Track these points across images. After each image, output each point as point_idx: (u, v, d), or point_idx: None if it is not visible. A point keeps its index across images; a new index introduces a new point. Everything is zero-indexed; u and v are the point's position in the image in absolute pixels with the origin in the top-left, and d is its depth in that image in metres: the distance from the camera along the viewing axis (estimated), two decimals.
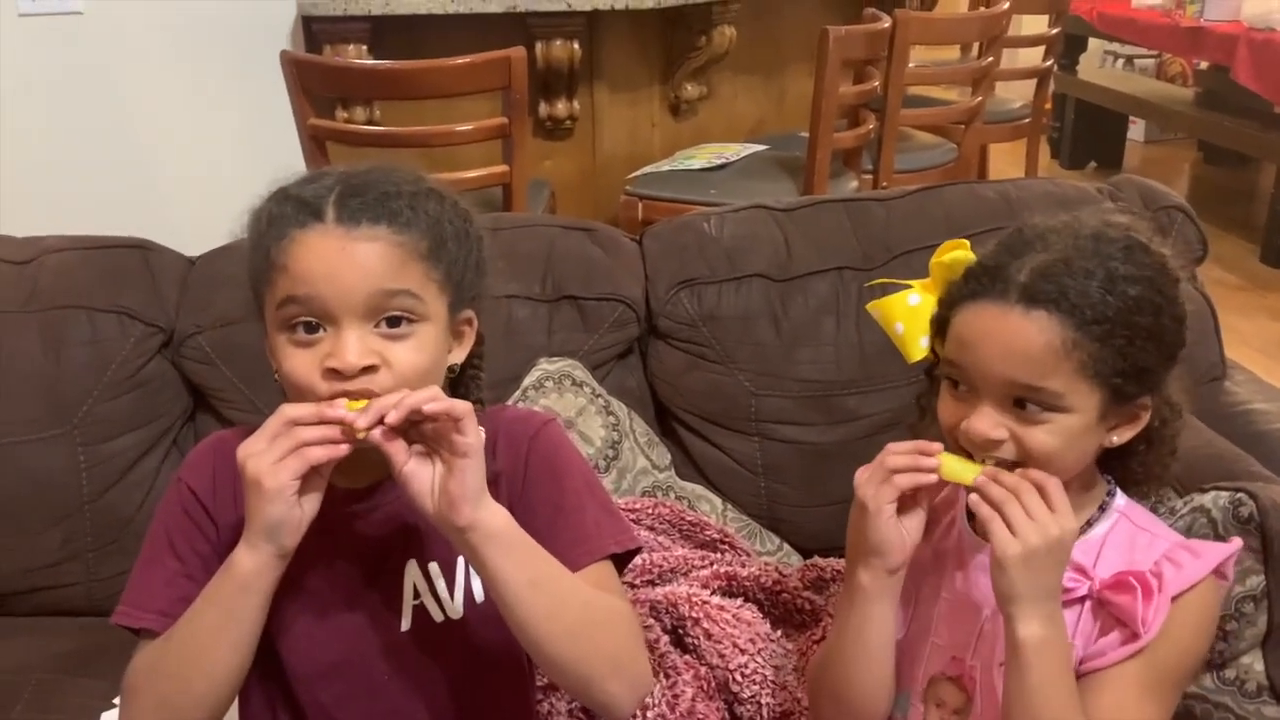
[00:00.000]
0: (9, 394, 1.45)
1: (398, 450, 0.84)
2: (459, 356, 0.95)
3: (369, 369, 0.85)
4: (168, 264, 1.56)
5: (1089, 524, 0.97)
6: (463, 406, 0.84)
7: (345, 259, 0.85)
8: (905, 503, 0.93)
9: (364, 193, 0.87)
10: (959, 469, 0.91)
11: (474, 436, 0.84)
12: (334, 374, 0.85)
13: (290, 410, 0.84)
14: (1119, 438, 0.94)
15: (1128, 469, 0.99)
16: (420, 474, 0.85)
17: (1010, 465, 0.91)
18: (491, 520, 0.86)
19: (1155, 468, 0.99)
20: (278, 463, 0.83)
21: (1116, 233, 0.92)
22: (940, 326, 0.96)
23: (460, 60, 2.03)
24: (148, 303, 1.51)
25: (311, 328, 0.86)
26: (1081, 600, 0.94)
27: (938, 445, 0.92)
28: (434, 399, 0.83)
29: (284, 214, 0.87)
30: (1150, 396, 0.93)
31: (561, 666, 0.90)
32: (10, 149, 2.40)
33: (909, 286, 1.00)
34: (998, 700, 0.95)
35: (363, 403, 0.84)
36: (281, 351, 0.88)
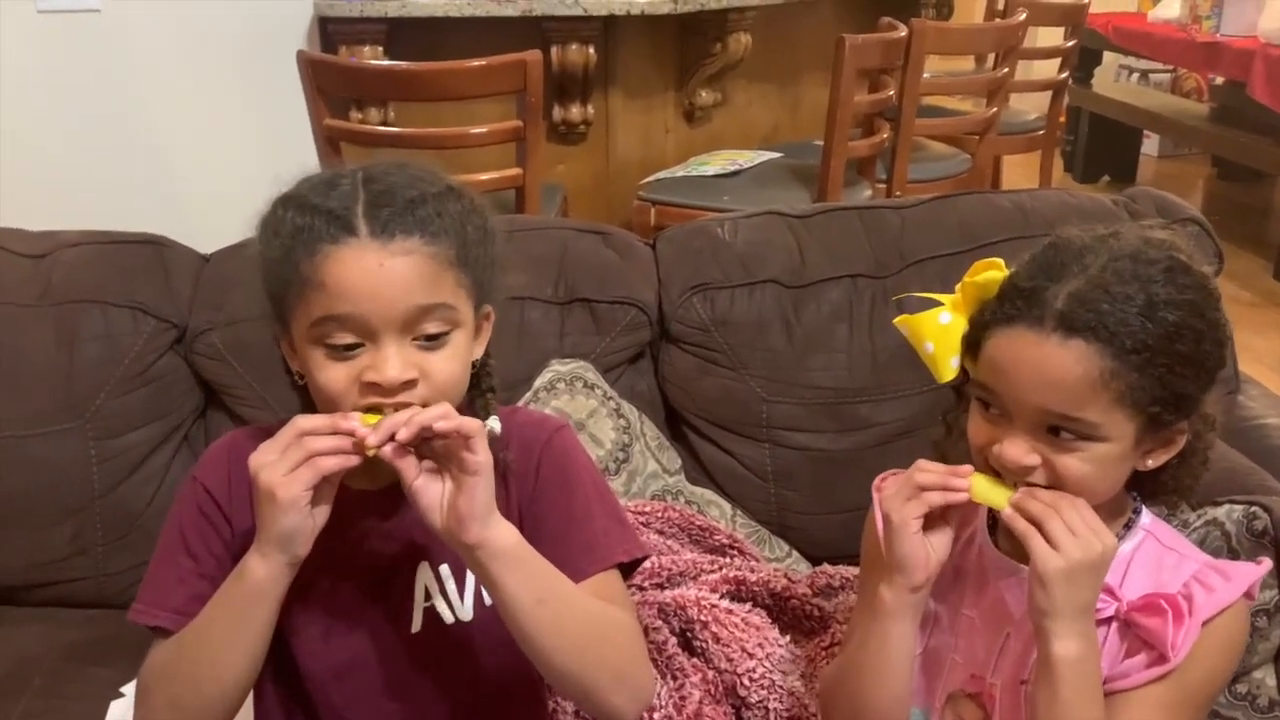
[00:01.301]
0: (22, 387, 1.46)
1: (408, 466, 0.85)
2: (479, 352, 0.95)
3: (408, 383, 0.86)
4: (182, 260, 1.57)
5: (1117, 539, 0.94)
6: (472, 425, 0.84)
7: (384, 276, 0.84)
8: (931, 519, 0.91)
9: (391, 200, 0.86)
10: (991, 492, 0.89)
11: (484, 455, 0.84)
12: (372, 388, 0.85)
13: (304, 422, 0.85)
14: (1154, 462, 0.91)
15: (1158, 482, 0.97)
16: (430, 490, 0.85)
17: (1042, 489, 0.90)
18: (499, 539, 0.86)
19: (1186, 480, 0.97)
20: (290, 474, 0.83)
21: (1157, 252, 0.88)
22: (971, 346, 0.93)
23: (475, 63, 2.03)
24: (161, 299, 1.51)
25: (350, 343, 0.86)
26: (1108, 621, 0.92)
27: (968, 468, 0.91)
28: (444, 417, 0.83)
29: (312, 226, 0.85)
30: (1188, 420, 0.91)
31: (565, 679, 0.91)
32: (28, 144, 2.41)
33: (939, 303, 0.97)
34: (1018, 718, 0.94)
35: (376, 417, 0.85)
36: (315, 363, 0.87)
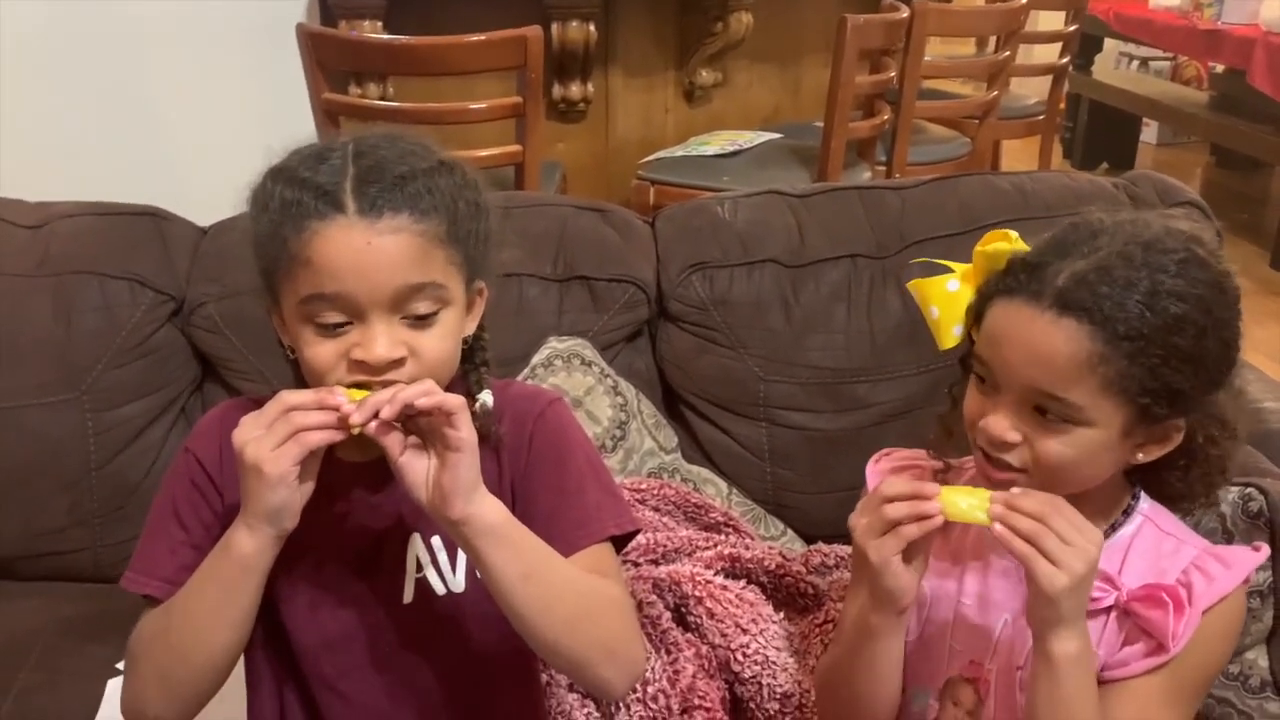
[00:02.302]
0: (19, 358, 1.45)
1: (393, 442, 0.84)
2: (471, 327, 0.95)
3: (396, 362, 0.86)
4: (180, 233, 1.57)
5: (1114, 527, 0.94)
6: (454, 401, 0.83)
7: (371, 255, 0.83)
8: (910, 548, 0.90)
9: (380, 176, 0.85)
10: (964, 507, 0.87)
11: (467, 432, 0.83)
12: (360, 366, 0.85)
13: (289, 397, 0.84)
14: (1145, 456, 0.90)
15: (1165, 483, 0.96)
16: (415, 466, 0.85)
17: (1015, 470, 0.89)
18: (484, 515, 0.85)
19: (1197, 486, 0.95)
20: (277, 449, 0.83)
21: (1175, 242, 0.86)
22: (976, 317, 0.93)
23: (476, 37, 2.02)
24: (159, 271, 1.51)
25: (338, 322, 0.86)
26: (1107, 610, 0.92)
27: (934, 486, 0.89)
28: (427, 394, 0.83)
29: (300, 201, 0.84)
30: (1185, 418, 0.89)
31: (555, 653, 0.92)
32: (25, 115, 2.40)
33: (951, 270, 0.97)
34: (1011, 702, 0.95)
35: (362, 392, 0.84)
36: (304, 340, 0.87)
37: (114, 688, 1.27)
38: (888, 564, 0.88)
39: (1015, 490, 0.87)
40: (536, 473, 0.96)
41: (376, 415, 0.82)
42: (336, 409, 0.83)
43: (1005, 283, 0.89)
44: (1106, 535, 0.94)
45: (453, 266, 0.88)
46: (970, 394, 0.93)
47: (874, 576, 0.90)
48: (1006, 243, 0.91)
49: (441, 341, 0.88)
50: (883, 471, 1.05)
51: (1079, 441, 0.87)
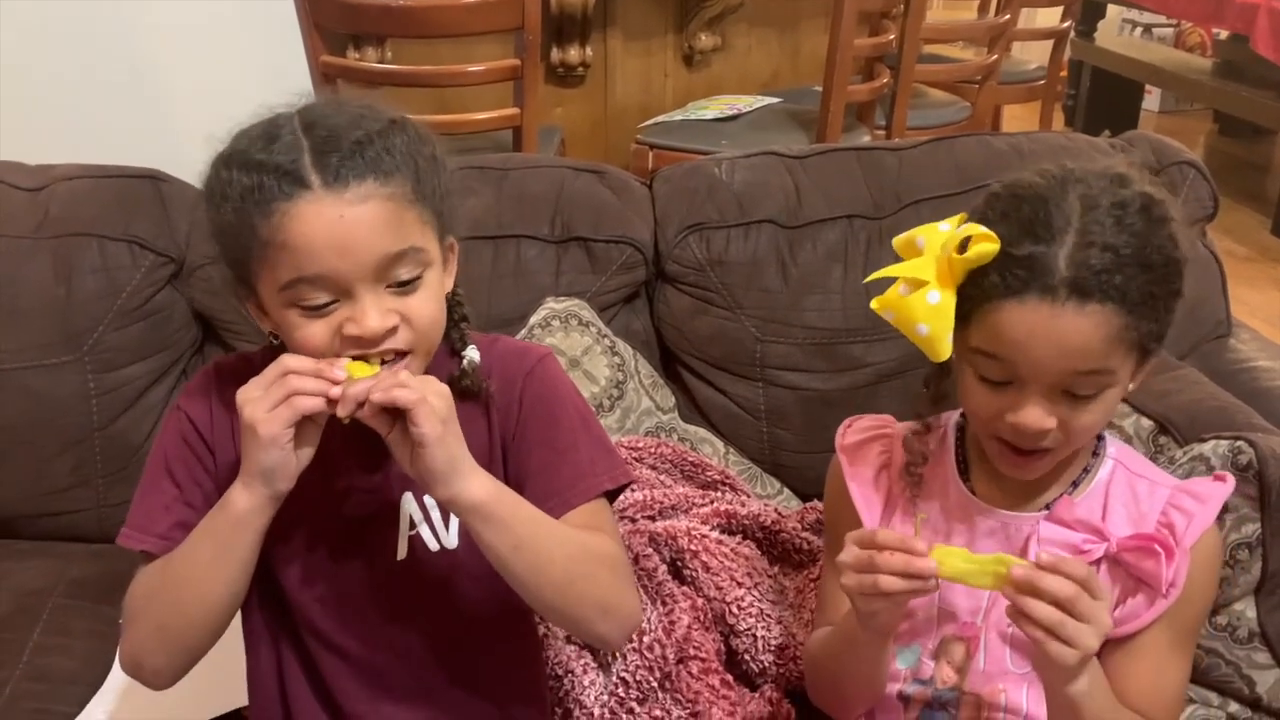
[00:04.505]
0: (20, 319, 1.46)
1: (380, 424, 0.85)
2: (449, 284, 0.95)
3: (390, 330, 0.86)
4: (179, 195, 1.56)
5: (1086, 470, 0.98)
6: (408, 397, 0.83)
7: (346, 228, 0.82)
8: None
9: (337, 145, 0.83)
10: (965, 567, 0.85)
11: (428, 426, 0.83)
12: (355, 341, 0.85)
13: (289, 360, 0.85)
14: (1134, 385, 0.93)
15: None
16: (401, 446, 0.86)
17: (1045, 450, 0.90)
18: (466, 495, 0.86)
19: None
20: (271, 411, 0.84)
21: (1128, 192, 0.88)
22: (960, 317, 0.90)
23: None
24: (159, 233, 1.51)
25: (325, 302, 0.85)
26: (1098, 562, 0.93)
27: (921, 546, 0.86)
28: (382, 389, 0.83)
29: (262, 185, 0.82)
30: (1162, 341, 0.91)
31: (550, 612, 0.96)
32: (23, 77, 2.39)
33: (923, 284, 0.90)
34: (1000, 654, 0.97)
35: (366, 368, 0.85)
36: (291, 324, 0.87)
37: None
38: (874, 615, 0.90)
39: (1043, 557, 0.84)
40: (528, 430, 0.96)
41: (362, 405, 0.84)
42: (333, 381, 0.84)
43: (1006, 283, 0.86)
44: (1080, 479, 0.98)
45: (425, 225, 0.88)
46: (977, 394, 0.91)
47: (860, 615, 0.91)
48: (991, 243, 0.87)
49: (429, 304, 0.88)
50: (850, 447, 1.06)
51: (1108, 403, 0.89)
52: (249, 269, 0.87)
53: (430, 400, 0.83)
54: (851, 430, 1.07)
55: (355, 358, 0.86)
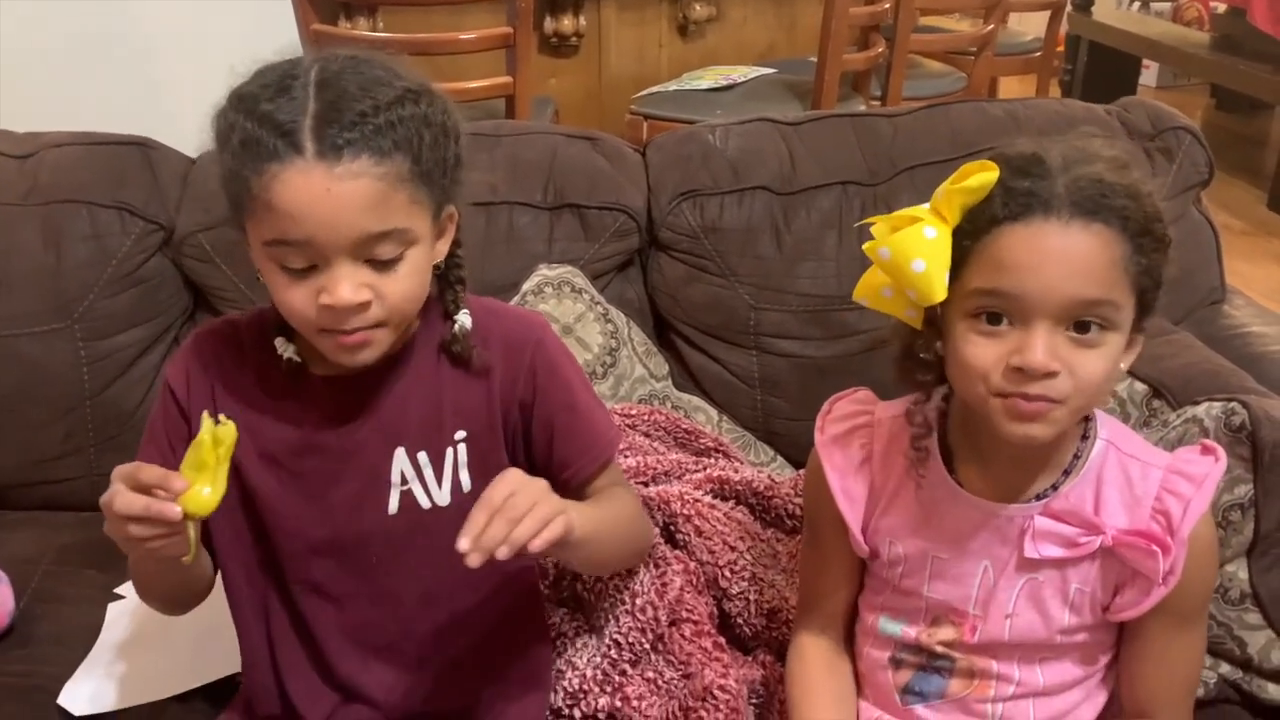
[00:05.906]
0: (9, 287, 1.45)
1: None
2: (442, 252, 0.95)
3: (361, 305, 0.86)
4: (169, 162, 1.56)
5: (1077, 456, 0.93)
6: (556, 532, 0.88)
7: (331, 202, 0.82)
8: None
9: (340, 114, 0.83)
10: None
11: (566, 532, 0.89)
12: (327, 310, 0.86)
13: (120, 505, 0.83)
14: (1125, 364, 0.90)
15: None
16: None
17: (1053, 401, 0.85)
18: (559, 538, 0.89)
19: None
20: (126, 542, 0.86)
21: (1108, 151, 0.89)
22: (956, 259, 0.87)
23: None
24: (149, 200, 1.50)
25: (304, 266, 0.86)
26: (1094, 555, 0.92)
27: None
28: (541, 540, 0.87)
29: (260, 140, 0.83)
30: (1148, 318, 0.89)
31: (601, 573, 1.13)
32: (11, 45, 2.38)
33: (918, 219, 0.87)
34: (997, 634, 0.96)
35: (197, 496, 0.84)
36: (274, 281, 0.88)
37: (115, 612, 1.29)
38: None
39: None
40: (547, 401, 1.00)
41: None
42: (162, 518, 0.82)
43: (1007, 209, 0.85)
44: (1072, 463, 0.93)
45: (416, 205, 0.87)
46: (972, 345, 0.87)
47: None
48: (991, 171, 0.85)
49: (406, 282, 0.88)
50: (829, 443, 1.01)
51: (1111, 351, 0.86)
52: (243, 215, 0.88)
53: (566, 515, 0.89)
54: (831, 420, 1.02)
55: (325, 331, 0.87)
